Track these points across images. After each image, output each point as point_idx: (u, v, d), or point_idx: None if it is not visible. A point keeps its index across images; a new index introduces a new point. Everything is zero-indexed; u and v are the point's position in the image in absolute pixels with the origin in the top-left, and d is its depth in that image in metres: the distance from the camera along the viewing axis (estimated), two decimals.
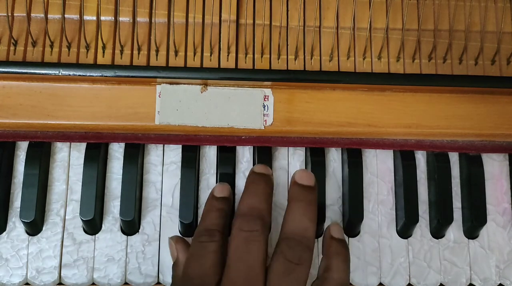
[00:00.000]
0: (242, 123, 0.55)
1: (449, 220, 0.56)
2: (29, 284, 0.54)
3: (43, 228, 0.55)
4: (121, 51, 0.55)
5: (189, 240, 0.55)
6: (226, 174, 0.56)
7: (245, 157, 0.57)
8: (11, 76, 0.53)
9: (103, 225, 0.55)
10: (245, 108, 0.55)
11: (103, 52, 0.55)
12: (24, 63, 0.54)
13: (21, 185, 0.54)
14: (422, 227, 0.57)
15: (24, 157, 0.55)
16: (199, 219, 0.56)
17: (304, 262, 0.47)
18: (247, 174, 0.57)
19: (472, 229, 0.57)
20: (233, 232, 0.49)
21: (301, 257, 0.47)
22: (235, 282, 0.46)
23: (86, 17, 0.56)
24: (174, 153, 0.57)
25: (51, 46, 0.55)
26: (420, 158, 0.58)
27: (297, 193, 0.51)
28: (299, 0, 0.56)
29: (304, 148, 0.58)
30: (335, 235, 0.52)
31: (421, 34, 0.57)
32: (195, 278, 0.48)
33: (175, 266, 0.52)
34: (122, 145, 0.57)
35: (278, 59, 0.56)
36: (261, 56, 0.56)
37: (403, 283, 0.56)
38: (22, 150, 0.56)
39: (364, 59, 0.57)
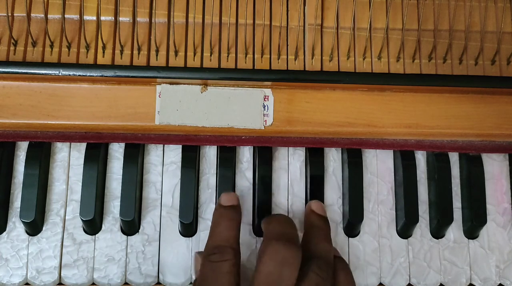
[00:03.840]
0: (242, 123, 0.55)
1: (449, 220, 0.56)
2: (29, 284, 0.54)
3: (43, 228, 0.55)
4: (121, 51, 0.55)
5: (187, 240, 0.56)
6: (226, 174, 0.56)
7: (245, 157, 0.57)
8: (11, 76, 0.53)
9: (103, 225, 0.55)
10: (245, 108, 0.55)
11: (103, 52, 0.55)
12: (24, 63, 0.54)
13: (21, 185, 0.55)
14: (422, 227, 0.57)
15: (24, 157, 0.55)
16: (199, 219, 0.56)
17: (329, 278, 0.49)
18: (247, 174, 0.57)
19: (472, 229, 0.57)
20: (265, 254, 0.48)
21: (328, 275, 0.49)
22: None
23: (86, 17, 0.56)
24: (174, 153, 0.57)
25: (51, 46, 0.55)
26: (420, 158, 0.58)
27: (317, 220, 0.54)
28: (299, 0, 0.56)
29: (304, 148, 0.58)
30: (336, 254, 0.53)
31: (421, 34, 0.57)
32: None
33: (196, 283, 0.50)
34: (122, 145, 0.57)
35: (278, 59, 0.56)
36: (261, 56, 0.56)
37: (403, 283, 0.56)
38: (22, 150, 0.56)
39: (364, 59, 0.57)
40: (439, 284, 0.56)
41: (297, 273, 0.47)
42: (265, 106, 0.55)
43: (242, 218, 0.54)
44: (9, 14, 0.55)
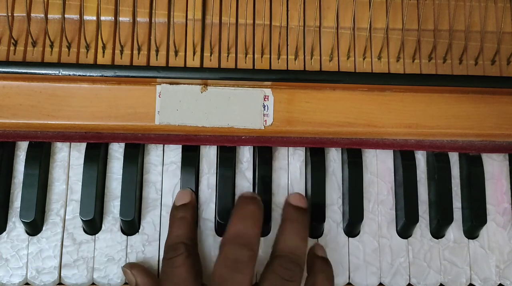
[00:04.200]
0: (242, 123, 0.55)
1: (449, 220, 0.56)
2: (29, 284, 0.54)
3: (43, 228, 0.55)
4: (121, 51, 0.55)
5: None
6: (226, 174, 0.56)
7: (245, 157, 0.57)
8: (11, 76, 0.53)
9: (103, 225, 0.55)
10: (245, 108, 0.55)
11: (103, 52, 0.55)
12: (24, 63, 0.54)
13: (21, 185, 0.54)
14: (422, 227, 0.57)
15: (24, 157, 0.55)
16: (199, 219, 0.56)
17: (296, 280, 0.48)
18: (247, 174, 0.57)
19: (472, 229, 0.57)
20: (218, 258, 0.49)
21: (293, 274, 0.48)
22: None
23: (86, 17, 0.56)
24: (174, 153, 0.57)
25: (51, 46, 0.55)
26: (420, 158, 0.58)
27: (290, 213, 0.53)
28: (299, 0, 0.56)
29: (304, 148, 0.58)
30: (320, 254, 0.53)
31: (421, 34, 0.57)
32: None
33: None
34: (122, 145, 0.57)
35: (278, 59, 0.56)
36: (261, 56, 0.56)
37: (403, 283, 0.56)
38: (22, 150, 0.56)
39: (364, 59, 0.57)
40: (439, 284, 0.56)
41: (251, 276, 0.48)
42: (265, 106, 0.55)
43: None
44: (9, 14, 0.55)
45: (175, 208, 0.54)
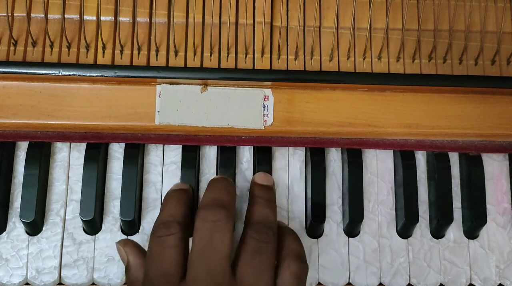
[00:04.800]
0: (242, 123, 0.55)
1: (449, 220, 0.56)
2: (29, 284, 0.54)
3: (43, 228, 0.55)
4: (121, 51, 0.55)
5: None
6: (226, 174, 0.56)
7: (245, 157, 0.57)
8: (11, 76, 0.53)
9: (103, 225, 0.55)
10: (245, 108, 0.55)
11: (103, 52, 0.55)
12: (24, 63, 0.54)
13: (21, 185, 0.54)
14: (422, 227, 0.57)
15: (24, 157, 0.55)
16: None
17: (271, 242, 0.49)
18: (247, 174, 0.57)
19: (472, 229, 0.57)
20: (195, 224, 0.48)
21: (267, 237, 0.48)
22: (199, 277, 0.45)
23: (86, 17, 0.56)
24: (174, 153, 0.57)
25: (51, 46, 0.55)
26: (420, 158, 0.58)
27: (257, 190, 0.53)
28: (299, 0, 0.56)
29: (304, 148, 0.58)
30: (281, 224, 0.54)
31: (421, 34, 0.57)
32: (156, 277, 0.46)
33: (127, 270, 0.50)
34: (122, 145, 0.57)
35: (278, 59, 0.56)
36: (261, 56, 0.56)
37: (403, 283, 0.56)
38: (22, 150, 0.56)
39: (364, 59, 0.57)
40: (439, 284, 0.56)
41: (230, 236, 0.47)
42: (265, 106, 0.55)
43: (242, 218, 0.55)
44: (9, 14, 0.55)
45: (172, 191, 0.53)
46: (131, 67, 0.54)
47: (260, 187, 0.54)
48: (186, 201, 0.52)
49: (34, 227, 0.54)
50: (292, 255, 0.49)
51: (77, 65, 0.54)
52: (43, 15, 0.55)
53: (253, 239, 0.48)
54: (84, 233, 0.55)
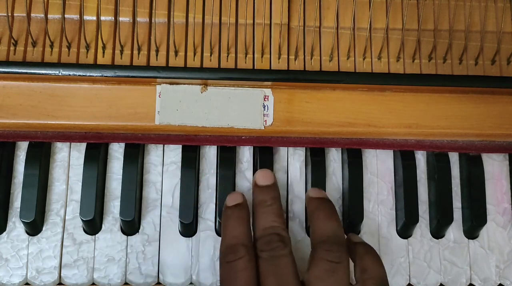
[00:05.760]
0: (242, 123, 0.55)
1: (449, 220, 0.56)
2: (29, 284, 0.54)
3: (43, 228, 0.55)
4: (121, 51, 0.55)
5: (187, 240, 0.56)
6: (226, 174, 0.56)
7: (245, 156, 0.57)
8: (11, 76, 0.53)
9: (103, 225, 0.55)
10: (245, 108, 0.55)
11: (103, 52, 0.55)
12: (24, 63, 0.54)
13: (21, 185, 0.54)
14: (422, 227, 0.57)
15: (24, 157, 0.55)
16: (199, 219, 0.56)
17: (344, 261, 0.47)
18: (247, 174, 0.57)
19: (472, 229, 0.57)
20: (259, 258, 0.48)
21: (340, 256, 0.47)
22: None
23: (86, 17, 0.56)
24: (174, 153, 0.57)
25: (51, 46, 0.55)
26: (420, 158, 0.58)
27: (316, 204, 0.52)
28: (299, 0, 0.56)
29: (304, 148, 0.58)
30: (357, 240, 0.52)
31: (421, 34, 0.57)
32: None
33: None
34: (122, 145, 0.57)
35: (278, 59, 0.56)
36: (261, 56, 0.56)
37: (403, 283, 0.56)
38: (22, 150, 0.56)
39: (364, 59, 0.57)
40: (439, 284, 0.56)
41: (293, 260, 0.48)
42: (265, 106, 0.55)
43: None
44: (9, 14, 0.55)
45: (228, 208, 0.52)
46: (131, 67, 0.54)
47: (317, 200, 0.53)
48: (245, 218, 0.52)
49: (34, 227, 0.54)
50: (374, 281, 0.47)
51: (77, 65, 0.54)
52: (43, 15, 0.55)
53: (324, 260, 0.47)
54: (84, 233, 0.55)
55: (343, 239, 0.49)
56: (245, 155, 0.57)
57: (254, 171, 0.57)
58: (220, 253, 0.50)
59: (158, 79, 0.54)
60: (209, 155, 0.57)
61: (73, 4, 0.56)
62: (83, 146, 0.56)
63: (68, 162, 0.56)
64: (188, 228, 0.55)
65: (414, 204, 0.56)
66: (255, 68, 0.56)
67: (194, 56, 0.56)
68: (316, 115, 0.55)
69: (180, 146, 0.57)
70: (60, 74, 0.53)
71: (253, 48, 0.56)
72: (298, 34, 0.56)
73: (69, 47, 0.55)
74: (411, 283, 0.56)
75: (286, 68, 0.56)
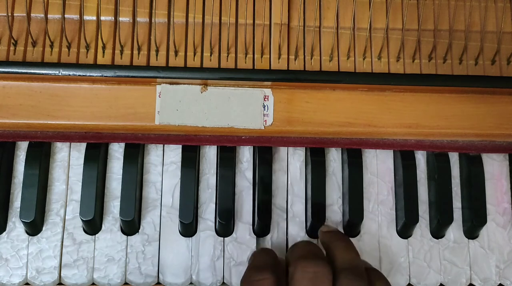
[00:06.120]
0: (242, 123, 0.55)
1: (449, 220, 0.56)
2: (29, 284, 0.54)
3: (43, 228, 0.55)
4: (121, 51, 0.55)
5: (187, 240, 0.56)
6: (226, 174, 0.56)
7: (245, 156, 0.57)
8: (11, 76, 0.53)
9: (103, 225, 0.55)
10: (245, 108, 0.55)
11: (103, 52, 0.55)
12: (24, 63, 0.54)
13: (21, 185, 0.54)
14: (422, 227, 0.57)
15: (24, 157, 0.55)
16: (199, 219, 0.56)
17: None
18: (247, 174, 0.57)
19: (472, 229, 0.57)
20: (295, 276, 0.47)
21: (362, 282, 0.47)
22: None
23: (86, 17, 0.56)
24: (174, 153, 0.57)
25: (51, 46, 0.55)
26: (420, 158, 0.58)
27: (331, 237, 0.53)
28: (299, 0, 0.56)
29: (304, 148, 0.58)
30: (367, 266, 0.52)
31: (421, 34, 0.57)
32: None
33: None
34: (122, 145, 0.57)
35: (278, 59, 0.56)
36: (261, 56, 0.56)
37: (403, 283, 0.56)
38: (22, 150, 0.56)
39: (364, 59, 0.57)
40: (439, 284, 0.56)
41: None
42: (265, 106, 0.55)
43: (242, 218, 0.55)
44: (9, 14, 0.55)
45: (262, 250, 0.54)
46: (131, 67, 0.54)
47: (331, 233, 0.53)
48: (274, 256, 0.52)
49: (34, 227, 0.54)
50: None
51: (77, 65, 0.54)
52: (43, 15, 0.55)
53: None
54: (84, 233, 0.55)
55: (362, 267, 0.49)
56: (245, 154, 0.57)
57: (254, 170, 0.57)
58: (244, 276, 0.49)
59: (158, 79, 0.54)
60: (209, 155, 0.57)
61: (73, 4, 0.56)
62: (83, 146, 0.56)
63: (68, 162, 0.56)
64: (188, 228, 0.55)
65: (414, 204, 0.56)
66: (255, 68, 0.56)
67: (194, 56, 0.56)
68: (316, 115, 0.55)
69: (180, 145, 0.57)
70: (60, 74, 0.53)
71: (253, 48, 0.56)
72: (298, 34, 0.56)
73: (69, 47, 0.55)
74: (411, 283, 0.56)
75: (286, 68, 0.56)
